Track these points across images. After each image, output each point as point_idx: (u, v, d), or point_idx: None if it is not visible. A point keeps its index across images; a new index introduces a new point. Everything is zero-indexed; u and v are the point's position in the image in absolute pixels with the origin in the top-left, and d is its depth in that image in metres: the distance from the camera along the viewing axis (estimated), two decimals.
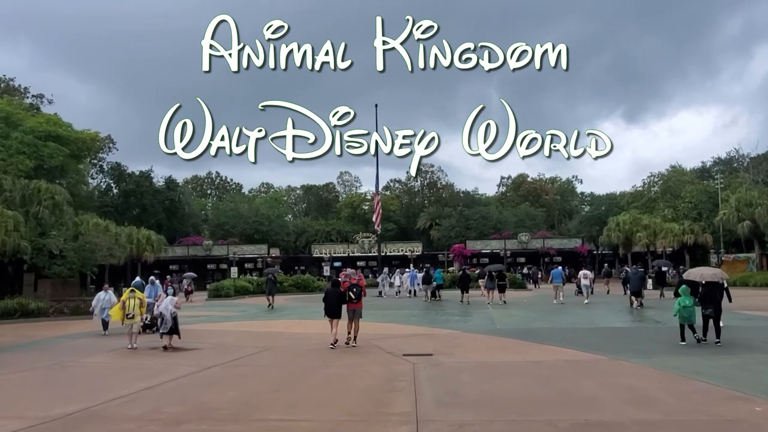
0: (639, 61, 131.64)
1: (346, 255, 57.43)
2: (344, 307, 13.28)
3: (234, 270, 35.94)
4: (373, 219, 27.04)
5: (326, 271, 47.78)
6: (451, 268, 47.22)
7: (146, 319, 14.94)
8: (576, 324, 17.74)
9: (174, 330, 13.30)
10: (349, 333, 13.32)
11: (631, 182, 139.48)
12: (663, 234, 41.59)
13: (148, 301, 15.30)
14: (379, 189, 28.62)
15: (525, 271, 46.34)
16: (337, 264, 54.43)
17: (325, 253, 56.58)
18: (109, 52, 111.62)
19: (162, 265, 49.44)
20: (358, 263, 54.67)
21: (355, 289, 13.35)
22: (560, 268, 28.91)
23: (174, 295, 14.24)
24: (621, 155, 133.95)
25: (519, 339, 14.32)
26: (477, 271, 40.16)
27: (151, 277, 17.81)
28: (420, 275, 30.34)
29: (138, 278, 17.07)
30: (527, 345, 13.43)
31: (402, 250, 57.39)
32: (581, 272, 28.20)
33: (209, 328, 18.42)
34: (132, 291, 14.68)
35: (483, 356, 11.98)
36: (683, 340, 12.71)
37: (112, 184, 55.06)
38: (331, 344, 12.94)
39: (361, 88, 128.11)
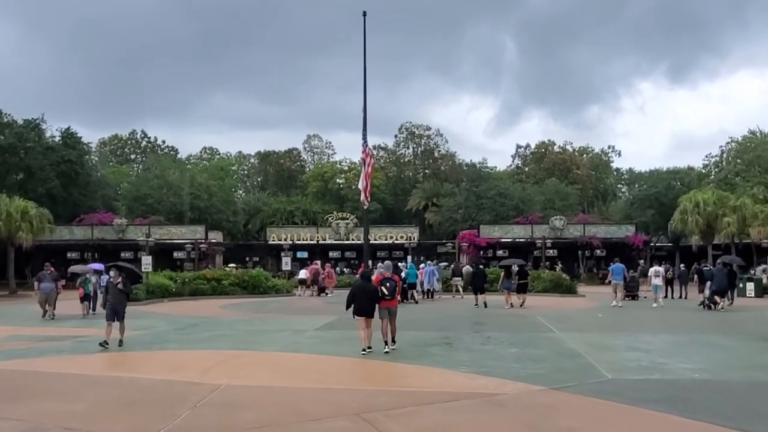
0: (691, 2, 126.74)
1: (314, 242, 52.13)
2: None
3: (147, 260, 29.18)
4: (360, 186, 20.87)
5: (286, 263, 42.14)
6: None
7: None
8: (746, 372, 11.53)
9: None
10: (385, 338, 13.33)
11: (671, 158, 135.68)
12: (762, 219, 35.68)
13: None
14: (368, 142, 22.39)
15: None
16: (301, 254, 48.98)
17: (286, 240, 51.11)
18: None
19: (55, 253, 42.47)
20: (330, 254, 49.26)
21: (388, 284, 13.38)
22: (621, 264, 27.17)
23: None
24: (659, 125, 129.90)
25: (683, 415, 8.13)
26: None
27: None
28: (432, 268, 29.99)
29: None
30: None
31: (392, 237, 51.32)
32: (652, 269, 27.51)
33: (60, 368, 11.81)
34: None
35: None
36: None
37: None
38: (363, 351, 12.95)
39: (348, 33, 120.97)
